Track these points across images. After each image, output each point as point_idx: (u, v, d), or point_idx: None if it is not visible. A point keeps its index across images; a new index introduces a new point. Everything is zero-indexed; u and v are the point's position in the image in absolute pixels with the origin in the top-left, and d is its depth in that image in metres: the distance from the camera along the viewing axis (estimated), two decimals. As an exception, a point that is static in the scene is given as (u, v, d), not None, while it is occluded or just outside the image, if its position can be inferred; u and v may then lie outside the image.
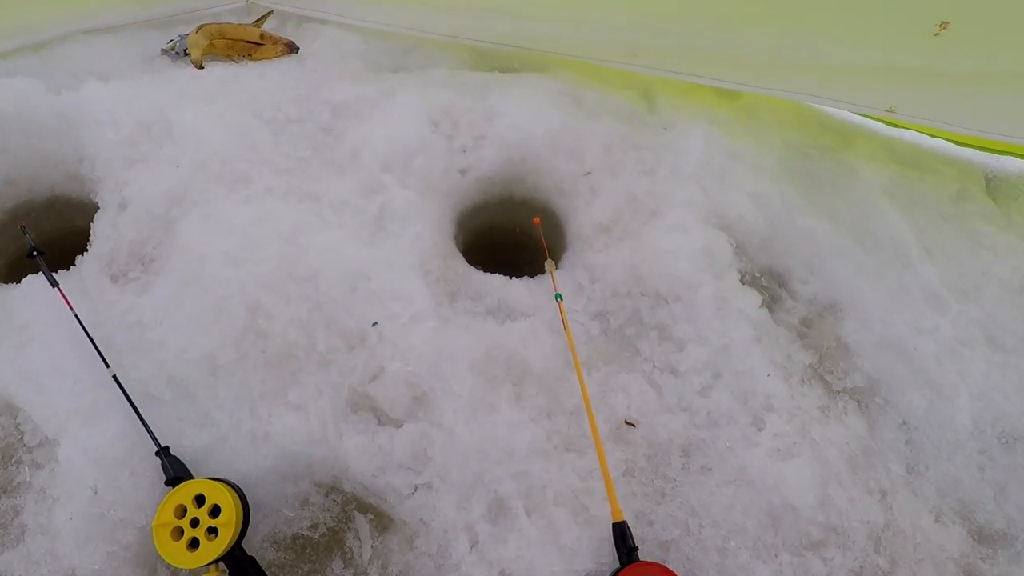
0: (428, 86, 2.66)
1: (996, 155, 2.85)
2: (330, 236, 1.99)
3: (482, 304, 2.07)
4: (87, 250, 2.12)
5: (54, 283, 1.87)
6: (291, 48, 2.82)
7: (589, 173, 2.43)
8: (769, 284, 2.19)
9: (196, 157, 2.14)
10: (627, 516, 1.56)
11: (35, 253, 1.95)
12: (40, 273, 1.98)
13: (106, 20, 2.95)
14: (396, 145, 2.31)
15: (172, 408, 1.72)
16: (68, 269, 2.09)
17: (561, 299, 1.92)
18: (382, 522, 1.65)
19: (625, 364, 1.93)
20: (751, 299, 2.04)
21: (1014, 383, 2.06)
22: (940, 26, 2.21)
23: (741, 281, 2.12)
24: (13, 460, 1.72)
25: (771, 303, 2.12)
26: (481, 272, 2.20)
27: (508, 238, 2.69)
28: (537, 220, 2.17)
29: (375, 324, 1.80)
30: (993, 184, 2.84)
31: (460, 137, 2.46)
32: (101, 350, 1.75)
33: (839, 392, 1.93)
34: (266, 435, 1.68)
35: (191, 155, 2.14)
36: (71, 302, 1.85)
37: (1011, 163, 2.89)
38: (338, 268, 1.89)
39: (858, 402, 1.92)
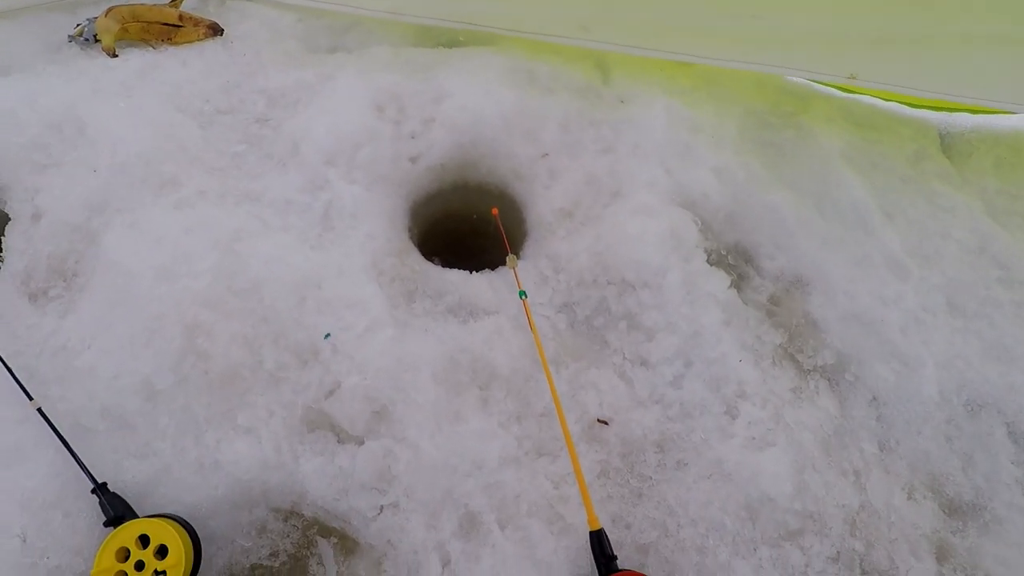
0: (371, 67, 2.48)
1: (948, 112, 2.84)
2: (273, 241, 1.84)
3: (442, 303, 1.96)
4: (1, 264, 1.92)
5: (-39, 312, 1.68)
6: (215, 30, 2.58)
7: (546, 155, 2.32)
8: (736, 262, 2.14)
9: (115, 160, 1.94)
10: (604, 520, 1.51)
11: (-65, 279, 1.74)
12: (-53, 299, 1.79)
13: (2, 4, 2.66)
14: (339, 136, 2.15)
15: (108, 440, 1.58)
16: (-19, 290, 1.89)
17: (525, 296, 1.83)
18: (347, 546, 1.55)
19: (594, 358, 1.86)
20: (719, 280, 1.98)
21: (976, 349, 2.08)
22: (896, -12, 2.15)
23: (708, 261, 2.06)
24: (-69, 512, 1.55)
25: (739, 282, 2.07)
26: (439, 268, 2.08)
27: (465, 225, 2.57)
28: (496, 211, 2.06)
29: (328, 336, 1.68)
30: (947, 142, 2.84)
31: (408, 122, 2.31)
32: (22, 381, 1.59)
33: (810, 371, 1.91)
34: (215, 463, 1.55)
35: (108, 157, 1.95)
36: None
37: (962, 119, 2.88)
38: (284, 277, 1.75)
39: (828, 380, 1.90)
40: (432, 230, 2.48)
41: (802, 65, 2.46)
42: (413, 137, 2.30)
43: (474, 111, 2.29)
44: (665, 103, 2.46)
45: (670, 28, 2.59)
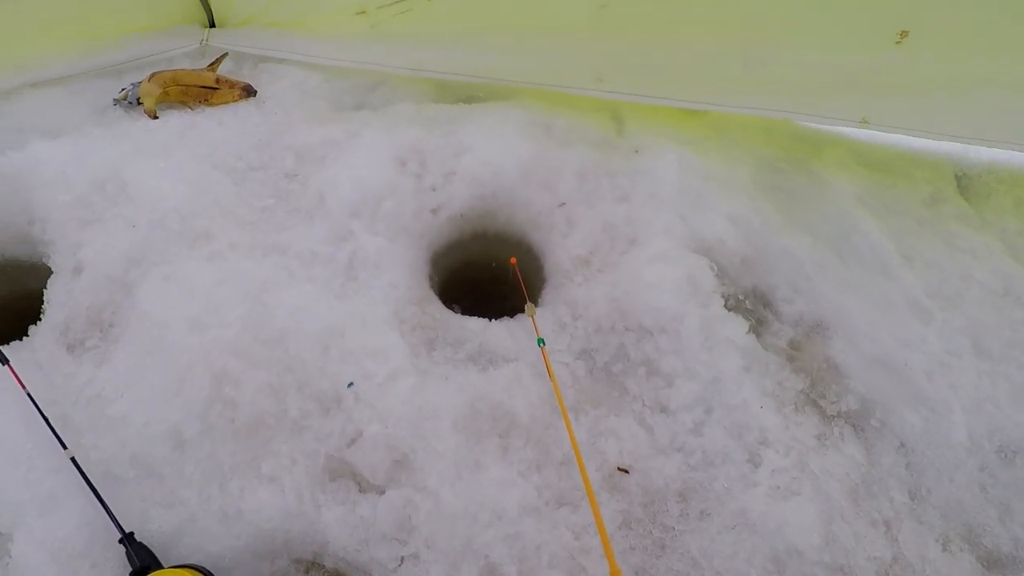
0: (394, 123, 2.60)
1: (963, 143, 2.82)
2: (299, 292, 1.90)
3: (462, 351, 1.99)
4: (40, 319, 2.01)
5: (4, 360, 1.75)
6: (248, 92, 2.74)
7: (563, 204, 2.38)
8: (754, 306, 2.15)
9: (153, 215, 2.04)
10: (627, 573, 1.49)
11: (-20, 331, 1.83)
12: (-11, 350, 1.87)
13: (55, 71, 2.85)
14: (364, 189, 2.24)
15: (136, 488, 1.62)
16: (21, 339, 1.98)
17: (544, 344, 1.85)
18: (369, 597, 1.55)
19: (614, 405, 1.87)
20: (738, 325, 1.98)
21: (1005, 392, 2.03)
22: (900, 34, 2.20)
23: (726, 306, 2.06)
24: (-35, 560, 1.59)
25: (758, 327, 2.07)
26: (459, 316, 2.12)
27: (484, 273, 2.62)
28: (514, 260, 2.11)
29: (351, 385, 1.72)
30: (964, 183, 2.84)
31: (429, 175, 2.40)
32: (58, 430, 1.65)
33: (834, 417, 1.88)
34: (238, 512, 1.58)
35: (148, 213, 2.05)
36: (24, 377, 1.74)
37: (980, 159, 2.88)
38: (309, 327, 1.80)
39: (854, 426, 1.87)
40: (452, 278, 2.53)
41: (812, 110, 2.50)
42: (434, 189, 2.38)
43: (493, 164, 2.36)
44: (678, 152, 2.52)
45: (681, 76, 2.68)
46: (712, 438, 1.76)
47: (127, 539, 1.51)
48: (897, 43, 2.21)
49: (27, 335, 1.97)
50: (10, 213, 2.19)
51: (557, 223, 2.36)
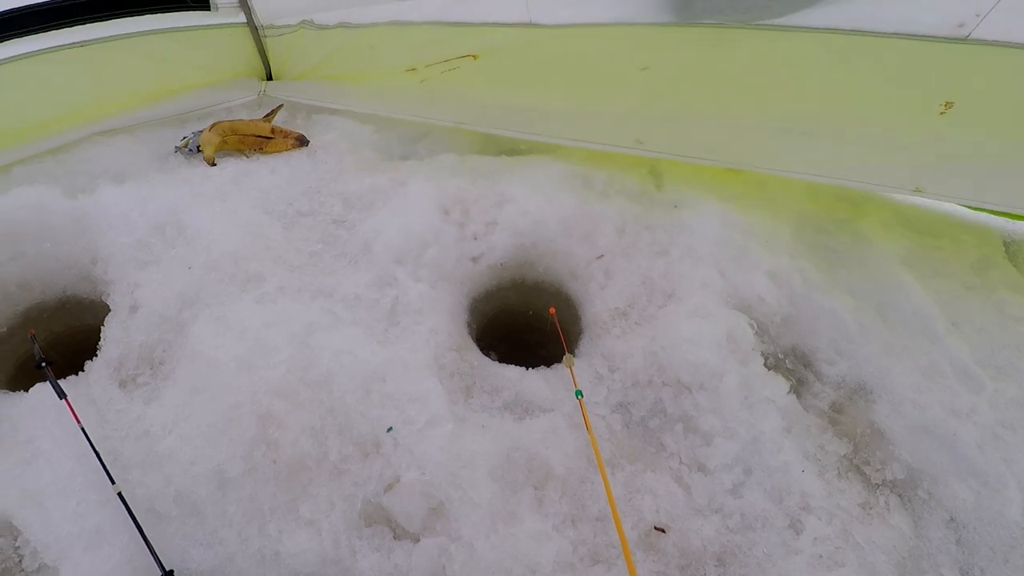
0: (439, 173, 2.69)
1: (1011, 219, 2.81)
2: (344, 335, 1.95)
3: (499, 399, 2.01)
4: (96, 354, 2.09)
5: (62, 395, 1.83)
6: (301, 141, 2.87)
7: (602, 256, 2.41)
8: (794, 366, 2.12)
9: (208, 258, 2.14)
10: (664, 640, 1.44)
11: (43, 364, 1.92)
12: (46, 383, 1.96)
13: (124, 121, 3.04)
14: (408, 236, 2.31)
15: (178, 526, 1.65)
16: (77, 374, 2.06)
17: (581, 396, 1.85)
18: (400, 650, 1.53)
19: (650, 461, 1.85)
20: (778, 385, 1.96)
21: (1064, 467, 1.94)
22: (945, 105, 2.21)
23: (766, 365, 2.04)
24: (10, 588, 1.63)
25: (798, 387, 2.04)
26: (496, 363, 2.14)
27: (520, 320, 2.65)
28: (553, 310, 2.13)
29: (390, 430, 1.74)
30: (1012, 250, 2.79)
31: (471, 224, 2.46)
32: (107, 465, 1.70)
33: (879, 485, 1.82)
34: (276, 554, 1.59)
35: (203, 256, 2.15)
36: (79, 412, 1.81)
37: (1028, 227, 2.84)
38: (352, 371, 1.85)
39: (900, 496, 1.81)
40: (489, 325, 2.57)
41: (864, 178, 2.49)
42: (475, 238, 2.44)
43: (534, 215, 2.42)
44: (718, 208, 2.55)
45: (722, 139, 2.72)
46: (752, 500, 1.72)
47: (167, 577, 1.53)
48: (942, 113, 2.22)
49: (83, 370, 2.05)
50: (75, 253, 2.32)
51: (595, 275, 2.38)
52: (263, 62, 3.57)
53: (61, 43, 2.85)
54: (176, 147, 2.86)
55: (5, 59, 2.70)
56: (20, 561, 1.65)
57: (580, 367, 2.11)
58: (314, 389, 1.81)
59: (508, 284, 2.53)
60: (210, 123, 2.96)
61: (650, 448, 1.90)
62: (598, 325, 2.25)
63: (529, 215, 2.42)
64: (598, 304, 2.30)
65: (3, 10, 2.67)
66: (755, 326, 2.14)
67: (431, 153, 2.99)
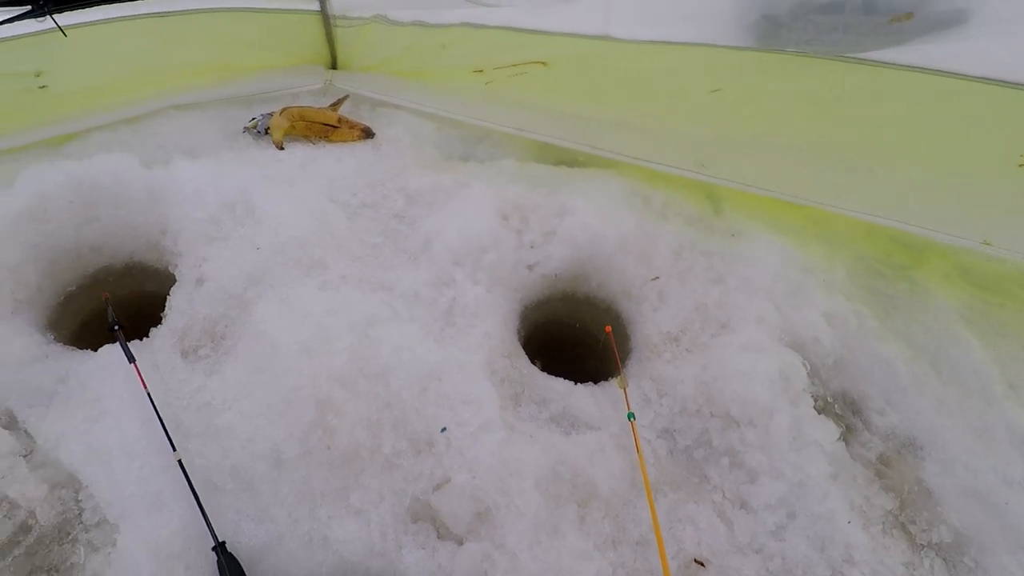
0: (499, 178, 2.72)
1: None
2: (402, 331, 1.99)
3: (546, 410, 2.03)
4: (161, 322, 2.16)
5: (131, 359, 1.89)
6: (367, 133, 2.92)
7: (657, 278, 2.42)
8: (843, 412, 2.11)
9: (276, 240, 2.19)
10: (700, 672, 1.44)
11: (115, 327, 1.98)
12: (116, 343, 2.02)
13: (194, 97, 3.12)
14: (468, 239, 2.34)
15: (232, 499, 1.69)
16: (140, 338, 2.13)
17: (634, 419, 1.86)
18: (436, 649, 1.56)
19: (693, 491, 1.85)
20: (827, 430, 1.95)
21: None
22: (1024, 158, 2.18)
23: (815, 408, 2.03)
24: (69, 538, 1.69)
25: (847, 434, 2.03)
26: (545, 375, 2.16)
27: (567, 331, 2.67)
28: (609, 329, 2.14)
29: (444, 430, 1.77)
30: (1078, 314, 2.72)
31: (529, 232, 2.48)
32: (169, 432, 1.75)
33: (924, 547, 1.80)
34: (324, 539, 1.63)
35: (271, 238, 2.20)
36: (144, 376, 1.88)
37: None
38: (410, 367, 1.88)
39: (945, 560, 1.79)
40: (536, 332, 2.59)
41: (930, 225, 2.46)
42: (532, 247, 2.46)
43: (594, 230, 2.43)
44: (776, 241, 2.53)
45: (786, 171, 2.71)
46: (794, 545, 1.72)
47: (220, 548, 1.58)
48: (1020, 165, 2.19)
49: (147, 336, 2.12)
50: (146, 222, 2.39)
51: (648, 296, 2.39)
52: (330, 51, 3.63)
53: (138, 12, 2.93)
54: (245, 127, 2.93)
55: (84, 23, 2.78)
56: (80, 514, 1.71)
57: (629, 389, 2.12)
58: (372, 381, 1.84)
59: (559, 295, 2.55)
60: (278, 107, 3.03)
61: (693, 478, 1.90)
62: (648, 347, 2.26)
63: (588, 229, 2.44)
64: (650, 326, 2.30)
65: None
66: (808, 366, 2.13)
67: (491, 156, 3.02)
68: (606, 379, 2.22)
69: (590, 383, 2.18)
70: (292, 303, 2.02)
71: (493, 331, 2.14)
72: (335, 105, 3.11)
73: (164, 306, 2.14)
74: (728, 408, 1.99)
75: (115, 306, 2.49)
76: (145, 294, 2.49)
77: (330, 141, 2.90)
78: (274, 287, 2.09)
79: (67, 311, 2.37)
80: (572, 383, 2.14)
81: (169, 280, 2.39)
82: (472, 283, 2.24)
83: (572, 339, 2.67)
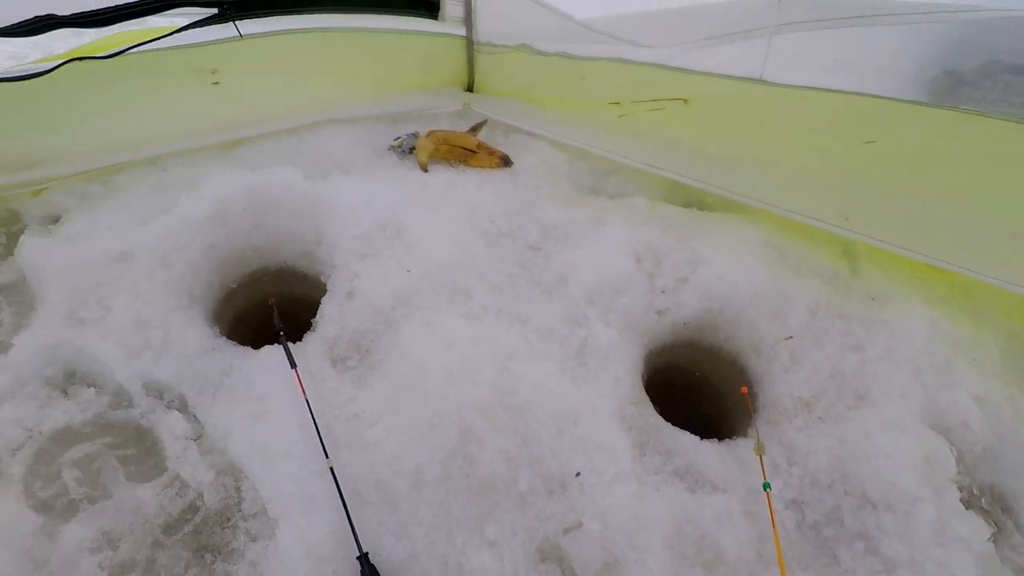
0: (632, 218, 2.73)
1: None
2: (539, 368, 2.05)
3: (671, 463, 2.03)
4: (312, 328, 2.33)
5: (293, 364, 2.06)
6: (506, 162, 3.02)
7: (791, 338, 2.36)
8: (991, 508, 1.98)
9: (424, 264, 2.31)
10: None
11: (280, 332, 2.16)
12: (276, 345, 2.21)
13: (346, 112, 3.32)
14: (603, 279, 2.38)
15: (375, 512, 1.81)
16: (294, 342, 2.30)
17: (770, 489, 1.83)
18: None
19: (822, 572, 1.80)
20: (977, 527, 1.84)
21: None
22: None
23: (961, 500, 1.92)
24: (229, 523, 1.87)
25: (996, 534, 1.90)
26: (671, 426, 2.16)
27: (685, 379, 2.66)
28: (745, 390, 2.12)
29: (578, 475, 1.81)
30: None
31: (661, 277, 2.49)
32: (323, 439, 1.89)
33: (1082, 669, 1.67)
34: (458, 565, 1.71)
35: (420, 262, 2.32)
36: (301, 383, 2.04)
37: None
38: (548, 405, 1.94)
39: None
40: (655, 377, 2.58)
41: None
42: (663, 292, 2.46)
43: (729, 281, 2.41)
44: (921, 310, 2.41)
45: (938, 233, 2.57)
46: (936, 648, 1.64)
47: (364, 559, 1.69)
48: None
49: (300, 340, 2.29)
50: (303, 231, 2.58)
51: (780, 355, 2.34)
52: (468, 74, 3.76)
53: (307, 27, 3.15)
54: (391, 146, 3.09)
55: (257, 33, 3.02)
56: (239, 503, 1.89)
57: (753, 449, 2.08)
58: (512, 415, 1.92)
59: (684, 342, 2.54)
60: (419, 126, 3.19)
61: (823, 557, 1.85)
62: (778, 410, 2.21)
63: (722, 281, 2.42)
64: (780, 387, 2.25)
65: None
66: (955, 453, 2.02)
67: (621, 192, 3.04)
68: (731, 436, 2.20)
69: (714, 440, 2.16)
70: (437, 328, 2.13)
71: (623, 376, 2.17)
72: (474, 130, 3.23)
73: (308, 308, 2.32)
74: (864, 488, 1.92)
75: (262, 303, 2.71)
76: (293, 296, 2.70)
77: (468, 165, 3.02)
78: (420, 310, 2.20)
79: (227, 306, 2.60)
80: (698, 438, 2.13)
81: (316, 286, 2.57)
82: (604, 324, 2.28)
83: (691, 386, 2.65)
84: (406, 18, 3.37)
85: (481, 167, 3.02)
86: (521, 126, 3.43)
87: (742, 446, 2.12)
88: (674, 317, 2.43)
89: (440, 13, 3.36)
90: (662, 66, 2.93)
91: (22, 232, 2.62)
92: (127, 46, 2.53)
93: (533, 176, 2.96)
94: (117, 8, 2.42)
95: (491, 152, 3.04)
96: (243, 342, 2.34)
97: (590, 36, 2.85)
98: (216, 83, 3.02)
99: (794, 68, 2.58)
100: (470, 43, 3.58)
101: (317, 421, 1.94)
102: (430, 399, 1.93)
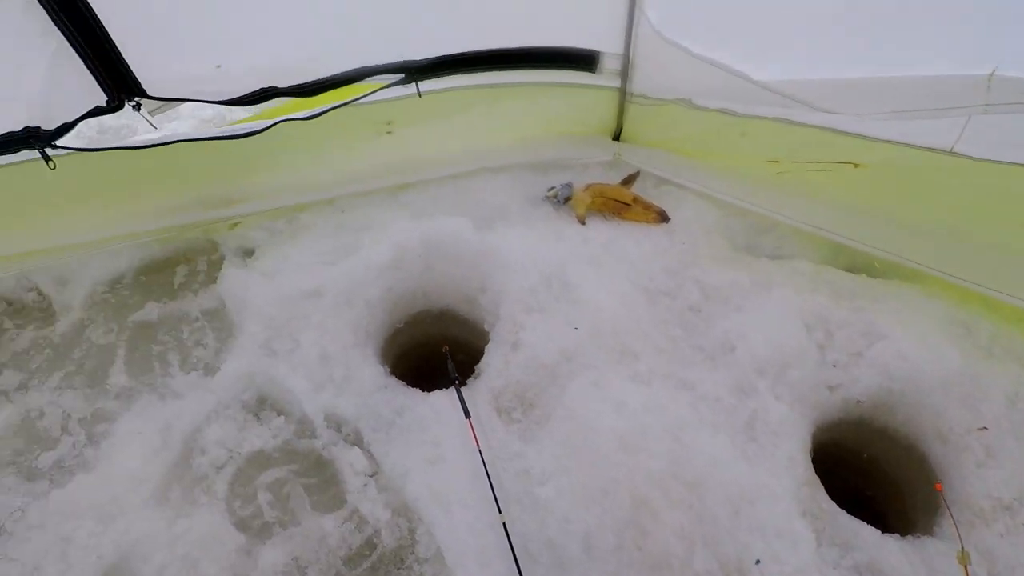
0: (796, 281, 2.63)
1: None
2: (713, 442, 2.01)
3: (849, 558, 1.91)
4: (476, 375, 2.42)
5: (467, 414, 2.15)
6: (663, 218, 3.01)
7: (984, 428, 2.16)
8: None
9: (591, 322, 2.35)
10: None
11: (456, 381, 2.27)
12: (446, 390, 2.32)
13: (501, 160, 3.46)
14: (773, 349, 2.30)
15: (546, 573, 1.84)
16: (456, 382, 2.39)
17: (980, 607, 1.68)
18: None
19: None
20: None
21: None
22: None
23: None
24: (404, 564, 1.96)
25: None
26: (847, 515, 2.04)
27: (852, 459, 2.50)
28: (940, 487, 1.96)
29: (758, 563, 1.75)
30: None
31: (833, 350, 2.37)
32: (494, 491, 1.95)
33: None
34: (631, 640, 1.69)
35: (587, 319, 2.36)
36: (466, 428, 2.11)
37: None
38: (723, 482, 1.90)
39: None
40: (817, 456, 2.45)
41: None
42: (835, 366, 2.34)
43: (912, 361, 2.26)
44: None
45: None
46: None
47: (538, 619, 1.71)
48: None
49: (465, 383, 2.38)
50: (469, 278, 2.70)
51: (972, 447, 2.15)
52: (617, 122, 3.81)
53: (475, 83, 3.34)
54: (545, 195, 3.18)
55: (432, 91, 3.24)
56: (413, 545, 1.98)
57: (945, 554, 1.91)
58: (687, 490, 1.89)
59: (853, 420, 2.40)
60: (569, 176, 3.26)
61: None
62: (971, 510, 2.02)
63: (907, 361, 2.26)
64: (974, 485, 2.06)
65: (446, 54, 3.17)
66: None
67: (779, 252, 2.94)
68: (912, 533, 2.04)
69: (896, 535, 2.01)
70: (605, 389, 2.14)
71: (796, 455, 2.08)
72: (627, 182, 3.26)
73: (466, 350, 2.42)
74: (1089, 616, 1.71)
75: (424, 342, 2.85)
76: (451, 337, 2.83)
77: (623, 219, 3.05)
78: (587, 368, 2.23)
79: (392, 344, 2.77)
80: (878, 531, 1.99)
81: (475, 331, 2.68)
82: (774, 397, 2.20)
83: (856, 469, 2.49)
84: (562, 72, 3.48)
85: (636, 221, 3.03)
86: (671, 178, 3.42)
87: (930, 546, 1.95)
88: (846, 394, 2.31)
89: (598, 67, 3.45)
90: (833, 129, 2.83)
91: (221, 261, 2.95)
92: (327, 107, 2.80)
93: (689, 232, 2.94)
94: (325, 81, 2.71)
95: (647, 207, 3.05)
96: (403, 378, 2.48)
97: (764, 96, 2.80)
98: (389, 132, 3.27)
99: (994, 144, 2.40)
100: (623, 94, 3.64)
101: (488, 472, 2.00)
102: (602, 463, 1.94)
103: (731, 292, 2.59)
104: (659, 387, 2.17)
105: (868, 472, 2.44)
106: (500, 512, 1.91)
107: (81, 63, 2.32)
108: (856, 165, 2.88)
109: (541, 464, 2.02)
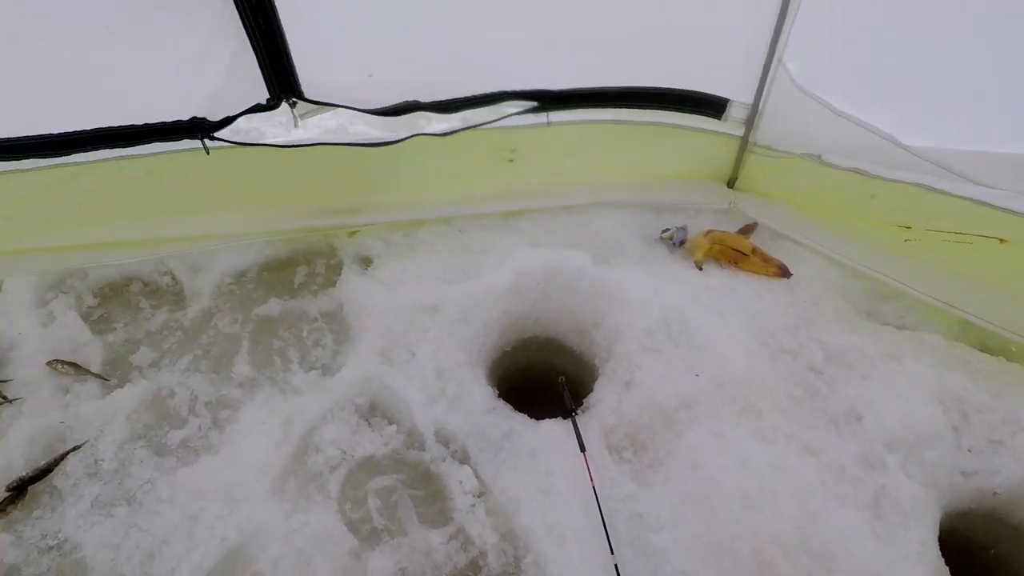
0: (931, 358, 2.50)
1: None
2: (841, 514, 1.93)
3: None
4: (584, 408, 2.40)
5: (583, 448, 2.13)
6: (784, 272, 2.94)
7: None
8: None
9: (714, 372, 2.30)
10: None
11: (572, 411, 2.26)
12: (556, 419, 2.31)
13: (613, 197, 3.48)
14: (907, 424, 2.19)
15: (656, 625, 1.78)
16: (566, 417, 2.38)
17: None
18: None
19: None
20: None
21: None
22: None
23: None
24: (509, 590, 1.95)
25: None
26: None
27: (978, 555, 2.32)
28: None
29: (895, 652, 1.64)
30: None
31: (970, 434, 2.24)
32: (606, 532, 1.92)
33: None
34: None
35: (709, 368, 2.32)
36: (577, 462, 2.09)
37: None
38: (852, 560, 1.81)
39: None
40: (942, 544, 2.30)
41: None
42: (970, 451, 2.21)
43: (1064, 459, 2.10)
44: None
45: None
46: None
47: (651, 673, 1.66)
48: None
49: (577, 412, 2.37)
50: (583, 310, 2.71)
51: None
52: (733, 170, 3.77)
53: (601, 118, 3.38)
54: (660, 236, 3.17)
55: (560, 122, 3.30)
56: (519, 573, 1.96)
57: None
58: (814, 560, 1.81)
59: (986, 512, 2.24)
60: (682, 219, 3.25)
61: None
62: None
63: (1056, 458, 2.10)
64: None
65: (581, 87, 3.21)
66: None
67: (902, 322, 2.81)
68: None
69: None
70: (727, 442, 2.09)
71: (927, 540, 1.96)
72: (745, 232, 3.22)
73: (569, 379, 2.39)
74: None
75: (526, 367, 2.86)
76: (555, 366, 2.83)
77: (740, 269, 2.99)
78: (708, 418, 2.19)
79: (498, 365, 2.79)
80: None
81: (581, 363, 2.68)
82: (905, 476, 2.09)
83: (983, 565, 2.31)
84: (688, 116, 3.49)
85: (754, 273, 2.97)
86: (788, 232, 3.34)
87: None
88: (982, 483, 2.16)
89: (724, 115, 3.44)
90: (981, 202, 2.71)
91: (340, 266, 3.07)
92: (460, 126, 2.91)
93: (810, 291, 2.85)
94: (465, 99, 2.82)
95: (766, 259, 2.99)
96: (506, 400, 2.49)
97: (908, 161, 2.72)
98: (511, 160, 3.36)
99: None
100: (744, 142, 3.61)
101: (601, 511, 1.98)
102: (725, 519, 1.89)
103: (856, 358, 2.49)
104: (783, 447, 2.10)
105: (994, 571, 2.27)
106: (612, 553, 1.87)
107: (251, 62, 2.49)
108: (1002, 241, 2.74)
109: (656, 510, 1.98)
